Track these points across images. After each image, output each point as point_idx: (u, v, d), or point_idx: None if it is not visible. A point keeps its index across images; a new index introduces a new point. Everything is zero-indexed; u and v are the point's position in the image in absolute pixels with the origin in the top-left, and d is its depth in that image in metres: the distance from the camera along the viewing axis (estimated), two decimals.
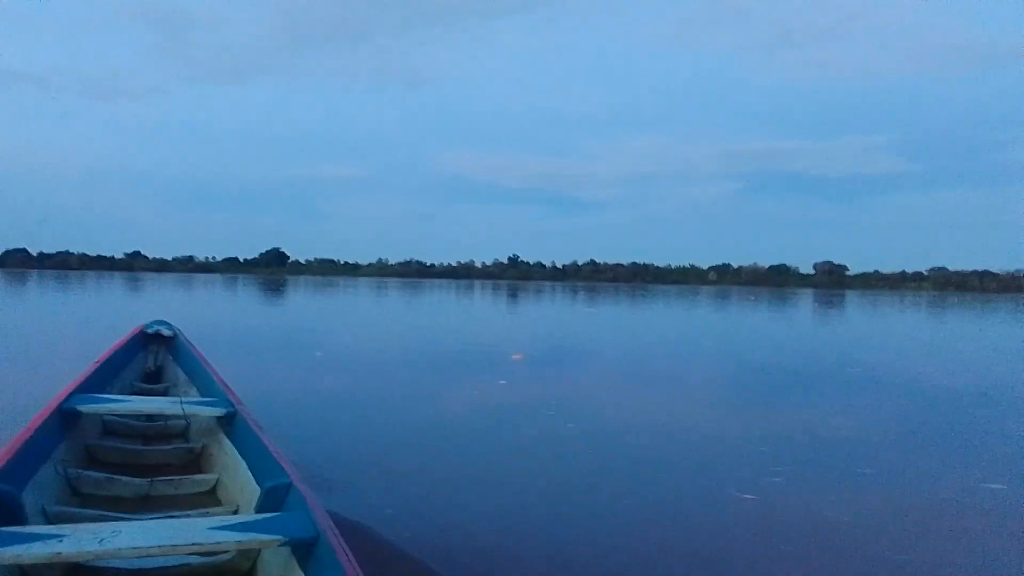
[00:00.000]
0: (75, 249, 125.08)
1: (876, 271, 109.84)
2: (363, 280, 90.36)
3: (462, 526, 3.75)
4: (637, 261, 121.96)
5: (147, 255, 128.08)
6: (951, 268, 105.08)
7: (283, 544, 2.23)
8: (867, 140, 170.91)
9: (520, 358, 10.48)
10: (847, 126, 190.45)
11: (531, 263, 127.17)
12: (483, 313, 27.11)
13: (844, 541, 3.67)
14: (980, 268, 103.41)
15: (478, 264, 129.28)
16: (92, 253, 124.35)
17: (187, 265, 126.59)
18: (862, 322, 26.05)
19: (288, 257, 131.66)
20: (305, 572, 2.20)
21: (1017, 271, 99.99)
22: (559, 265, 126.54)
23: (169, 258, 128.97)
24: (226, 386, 4.15)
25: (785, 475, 4.83)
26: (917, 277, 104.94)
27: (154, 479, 3.31)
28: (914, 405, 8.12)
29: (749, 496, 4.33)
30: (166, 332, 5.10)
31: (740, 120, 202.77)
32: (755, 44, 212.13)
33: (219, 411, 3.67)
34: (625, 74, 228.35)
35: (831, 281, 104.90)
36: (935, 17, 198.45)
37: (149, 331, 5.08)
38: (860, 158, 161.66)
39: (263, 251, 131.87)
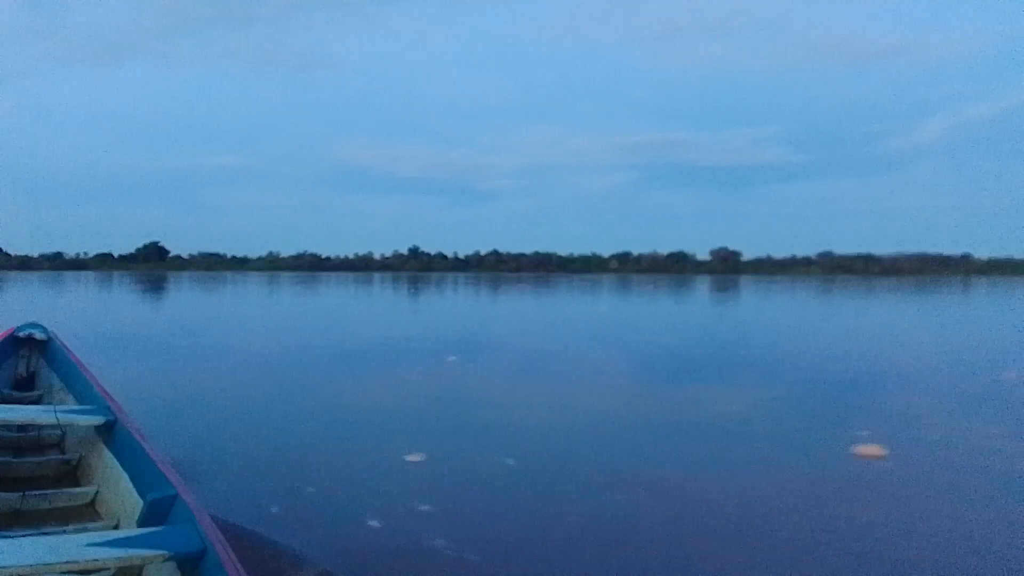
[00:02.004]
0: None
1: (769, 256, 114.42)
2: (253, 275, 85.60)
3: (359, 530, 3.59)
4: (539, 251, 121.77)
5: (8, 252, 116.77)
6: (837, 253, 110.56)
7: (167, 559, 2.11)
8: (755, 131, 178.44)
9: None
10: (736, 118, 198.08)
11: (432, 254, 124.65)
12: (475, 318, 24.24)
13: None
14: (864, 252, 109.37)
15: (377, 256, 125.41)
16: None
17: (55, 262, 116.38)
18: (765, 311, 25.74)
19: (168, 252, 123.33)
20: None
21: (898, 254, 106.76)
22: (461, 256, 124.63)
23: (35, 254, 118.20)
24: (105, 393, 3.90)
25: None
26: (806, 262, 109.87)
27: (26, 493, 3.15)
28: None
29: None
30: (39, 336, 4.75)
31: (632, 111, 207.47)
32: (646, 37, 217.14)
33: (97, 419, 3.48)
34: (519, 64, 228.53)
35: (726, 267, 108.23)
36: (812, 16, 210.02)
37: (20, 335, 4.72)
38: (749, 149, 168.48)
39: (140, 245, 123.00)
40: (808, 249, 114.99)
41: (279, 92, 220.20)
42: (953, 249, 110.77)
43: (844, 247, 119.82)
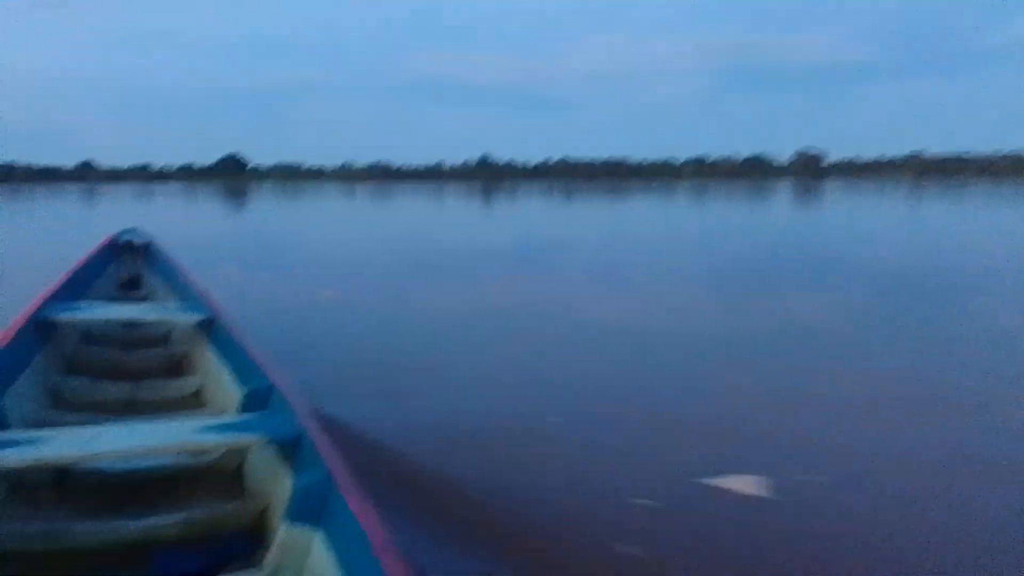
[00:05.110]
0: (21, 161, 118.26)
1: (853, 159, 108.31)
2: (329, 186, 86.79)
3: (448, 420, 3.80)
4: (610, 157, 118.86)
5: (98, 167, 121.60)
6: (928, 154, 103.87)
7: (268, 443, 2.27)
8: (838, 30, 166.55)
9: None
10: (817, 16, 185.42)
11: (502, 163, 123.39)
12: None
13: None
14: (957, 153, 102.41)
15: (447, 166, 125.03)
16: (39, 165, 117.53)
17: (140, 174, 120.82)
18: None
19: (246, 164, 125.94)
20: (291, 469, 2.21)
21: (993, 153, 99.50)
22: (531, 164, 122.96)
23: (124, 167, 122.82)
24: (205, 293, 4.06)
25: None
26: (894, 164, 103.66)
27: (138, 383, 3.35)
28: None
29: None
30: (139, 241, 5.02)
31: (707, 13, 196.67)
32: None
33: (199, 316, 3.66)
34: None
35: (808, 171, 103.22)
36: None
37: (121, 241, 4.98)
38: (832, 49, 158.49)
39: (219, 158, 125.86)
40: (896, 150, 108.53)
41: (355, 6, 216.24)
42: None
43: (934, 148, 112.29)
